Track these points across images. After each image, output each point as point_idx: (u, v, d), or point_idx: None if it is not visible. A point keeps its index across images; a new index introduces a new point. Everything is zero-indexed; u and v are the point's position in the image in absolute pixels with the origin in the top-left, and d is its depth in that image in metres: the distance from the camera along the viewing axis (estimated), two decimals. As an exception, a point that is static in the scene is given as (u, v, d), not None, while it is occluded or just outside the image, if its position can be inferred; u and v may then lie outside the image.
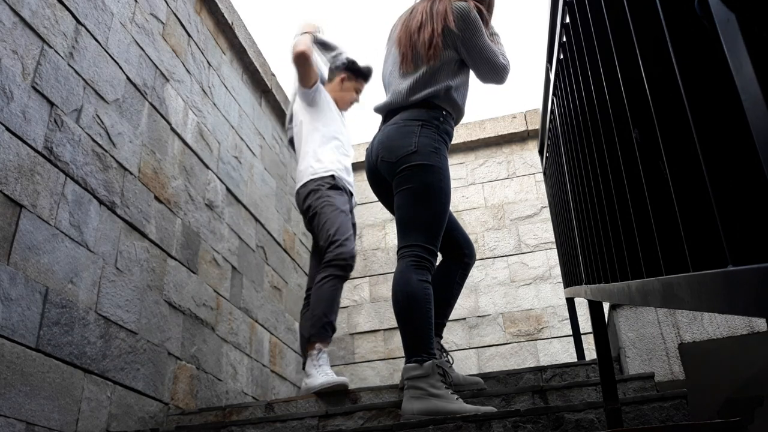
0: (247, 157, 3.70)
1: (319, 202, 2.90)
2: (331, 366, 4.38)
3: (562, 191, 1.89)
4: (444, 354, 2.23)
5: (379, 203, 4.85)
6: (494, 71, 2.16)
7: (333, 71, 3.27)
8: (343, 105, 3.25)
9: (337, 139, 3.07)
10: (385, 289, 4.55)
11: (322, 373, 2.52)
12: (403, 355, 4.18)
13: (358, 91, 3.30)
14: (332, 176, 2.97)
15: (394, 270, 4.59)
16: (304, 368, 2.61)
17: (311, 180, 2.95)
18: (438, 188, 2.01)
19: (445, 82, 2.10)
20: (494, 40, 2.32)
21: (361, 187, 4.95)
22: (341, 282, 2.75)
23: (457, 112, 2.19)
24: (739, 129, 0.44)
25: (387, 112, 2.18)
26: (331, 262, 2.75)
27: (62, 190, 2.11)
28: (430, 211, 2.01)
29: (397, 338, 4.35)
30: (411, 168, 2.01)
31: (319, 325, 2.64)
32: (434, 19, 2.11)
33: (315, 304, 2.69)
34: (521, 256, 4.40)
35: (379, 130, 2.20)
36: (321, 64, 3.21)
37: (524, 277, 4.32)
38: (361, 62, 3.29)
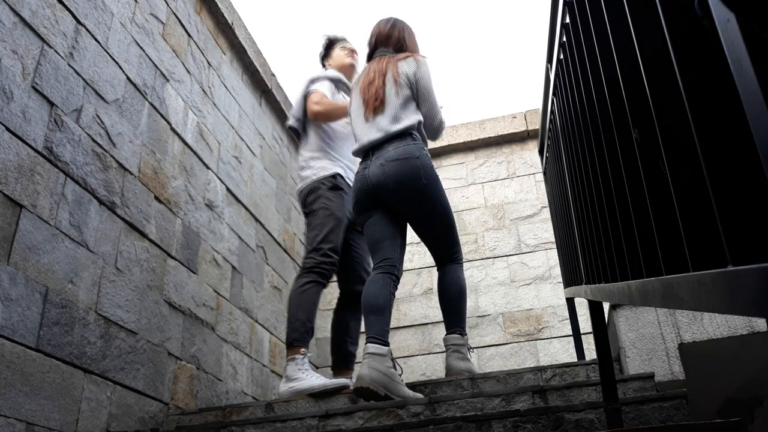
0: (247, 157, 3.70)
1: (316, 203, 2.89)
2: (331, 366, 4.39)
3: (562, 191, 1.89)
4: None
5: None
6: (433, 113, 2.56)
7: (323, 58, 3.33)
8: (348, 74, 3.24)
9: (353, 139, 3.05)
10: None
11: (312, 376, 2.55)
12: (402, 355, 4.24)
13: (351, 52, 3.31)
14: (334, 175, 2.94)
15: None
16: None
17: (312, 180, 2.95)
18: (448, 208, 2.53)
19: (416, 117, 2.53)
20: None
21: (361, 187, 4.95)
22: (322, 288, 2.81)
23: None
24: (739, 129, 0.45)
25: (370, 148, 2.53)
26: (313, 269, 2.77)
27: (62, 190, 2.11)
28: (451, 219, 2.55)
29: (396, 338, 4.35)
30: (427, 198, 2.45)
31: (303, 329, 2.71)
32: (377, 76, 2.58)
33: (297, 309, 2.71)
34: (521, 256, 4.40)
35: (366, 164, 2.52)
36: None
37: (524, 277, 4.33)
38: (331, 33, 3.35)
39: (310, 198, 2.92)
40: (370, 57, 2.75)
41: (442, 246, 2.55)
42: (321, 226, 2.82)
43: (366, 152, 2.52)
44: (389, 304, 2.42)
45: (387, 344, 2.34)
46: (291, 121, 3.11)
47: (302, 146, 3.08)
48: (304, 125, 3.08)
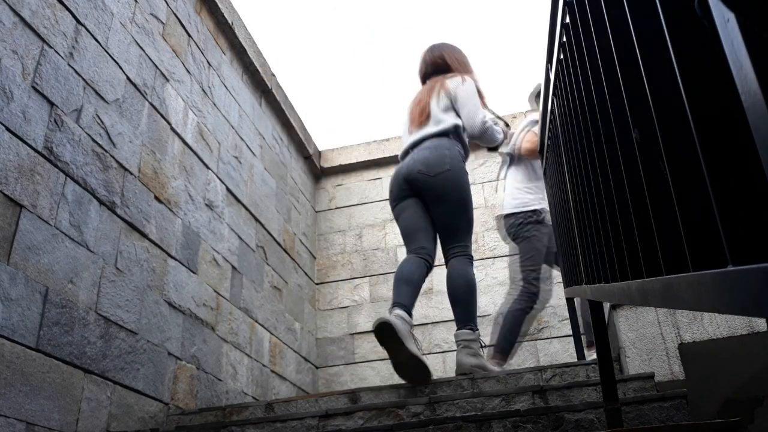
0: (247, 157, 3.70)
1: (528, 232, 3.19)
2: (331, 366, 4.39)
3: (562, 191, 1.89)
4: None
5: (380, 204, 4.84)
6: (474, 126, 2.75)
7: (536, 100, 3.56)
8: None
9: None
10: (386, 289, 4.55)
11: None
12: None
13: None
14: (540, 210, 3.22)
15: (394, 270, 4.59)
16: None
17: (523, 211, 3.22)
18: (470, 200, 2.65)
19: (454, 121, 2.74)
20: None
21: (360, 186, 4.95)
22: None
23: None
24: (739, 129, 0.45)
25: (411, 146, 2.77)
26: (533, 296, 3.15)
27: (62, 190, 2.11)
28: (468, 211, 2.64)
29: (397, 338, 4.35)
30: (450, 183, 2.58)
31: (508, 345, 3.09)
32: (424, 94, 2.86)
33: (512, 327, 3.08)
34: (521, 256, 4.39)
35: (406, 158, 2.76)
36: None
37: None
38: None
39: (522, 227, 3.19)
40: (423, 82, 3.01)
41: (453, 236, 2.59)
42: (534, 258, 3.12)
43: (406, 152, 2.75)
44: (421, 283, 2.53)
45: (476, 328, 2.55)
46: (508, 149, 3.38)
47: (510, 175, 3.36)
48: (516, 156, 3.38)
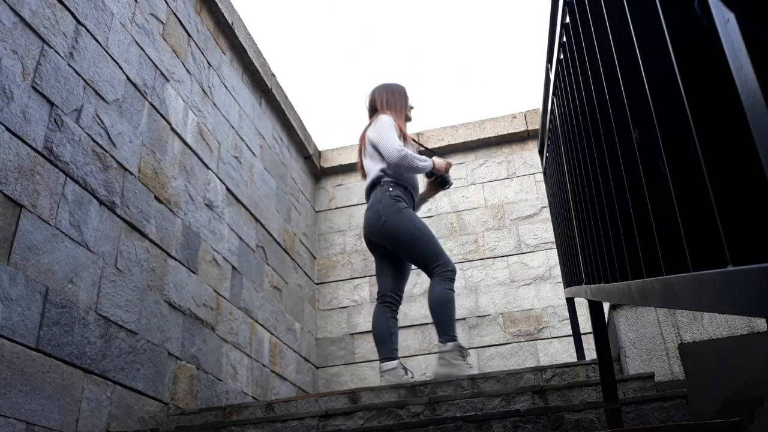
0: (247, 157, 3.70)
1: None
2: (331, 366, 4.39)
3: (562, 191, 1.89)
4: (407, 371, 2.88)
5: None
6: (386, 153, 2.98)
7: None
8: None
9: None
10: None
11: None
12: (402, 355, 4.25)
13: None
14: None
15: (394, 270, 4.60)
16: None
17: None
18: (414, 232, 2.88)
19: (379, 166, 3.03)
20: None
21: (360, 186, 4.95)
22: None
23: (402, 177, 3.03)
24: (739, 129, 0.45)
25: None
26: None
27: (62, 190, 2.11)
28: (420, 240, 2.87)
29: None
30: (390, 232, 2.90)
31: None
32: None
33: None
34: (521, 256, 4.40)
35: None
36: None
37: (524, 277, 4.32)
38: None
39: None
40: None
41: (422, 263, 2.88)
42: None
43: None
44: (390, 329, 2.89)
45: (395, 358, 2.84)
46: None
47: None
48: None
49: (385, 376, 2.77)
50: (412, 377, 2.81)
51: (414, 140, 3.28)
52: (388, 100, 3.21)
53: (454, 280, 2.84)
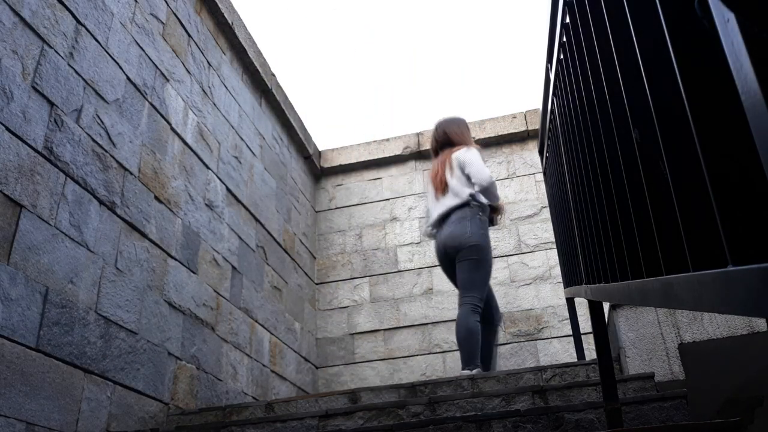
0: (247, 157, 3.70)
1: None
2: (331, 366, 4.39)
3: (562, 191, 1.89)
4: None
5: (380, 204, 4.85)
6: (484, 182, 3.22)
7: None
8: None
9: None
10: (385, 289, 4.55)
11: None
12: (402, 355, 4.24)
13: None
14: None
15: (394, 270, 4.60)
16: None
17: None
18: (486, 260, 3.12)
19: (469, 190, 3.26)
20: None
21: (360, 186, 4.95)
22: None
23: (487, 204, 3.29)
24: (739, 129, 0.45)
25: (441, 218, 3.29)
26: None
27: (62, 190, 2.11)
28: (481, 274, 3.09)
29: (396, 338, 4.35)
30: (469, 248, 3.10)
31: None
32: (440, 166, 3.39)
33: None
34: (521, 256, 4.40)
35: (440, 230, 3.30)
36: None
37: (524, 277, 4.32)
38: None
39: None
40: (436, 154, 3.50)
41: (466, 288, 3.07)
42: None
43: (438, 222, 3.29)
44: (477, 333, 3.02)
45: (477, 366, 2.92)
46: None
47: None
48: None
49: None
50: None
51: None
52: (465, 135, 3.50)
53: (479, 314, 3.04)
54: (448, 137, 3.46)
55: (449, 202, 3.27)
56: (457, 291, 3.25)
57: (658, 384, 2.05)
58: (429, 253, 4.57)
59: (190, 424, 2.41)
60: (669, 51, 0.57)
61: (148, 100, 2.71)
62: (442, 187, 3.32)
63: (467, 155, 3.28)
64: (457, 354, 4.17)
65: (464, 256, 3.12)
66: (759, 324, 2.07)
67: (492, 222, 3.39)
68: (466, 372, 2.86)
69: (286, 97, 4.37)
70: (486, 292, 3.14)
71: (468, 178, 3.25)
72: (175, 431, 2.18)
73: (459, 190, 3.25)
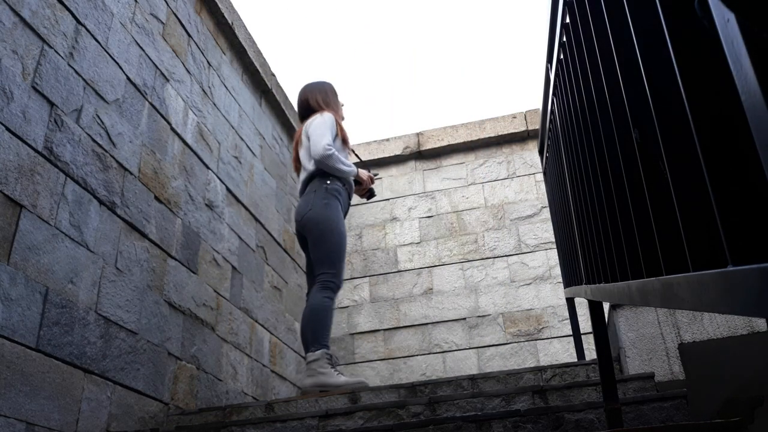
0: (247, 157, 3.70)
1: None
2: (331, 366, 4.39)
3: (562, 191, 1.89)
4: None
5: (380, 204, 4.85)
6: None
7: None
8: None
9: None
10: (385, 289, 4.55)
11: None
12: (402, 355, 4.23)
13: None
14: None
15: (394, 270, 4.60)
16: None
17: None
18: (329, 230, 2.87)
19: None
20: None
21: (361, 187, 4.96)
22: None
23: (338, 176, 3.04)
24: (739, 129, 0.45)
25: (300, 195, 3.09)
26: None
27: (62, 190, 2.11)
28: (326, 246, 2.87)
29: (396, 338, 4.35)
30: (311, 221, 2.90)
31: None
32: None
33: None
34: (521, 256, 4.40)
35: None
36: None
37: (524, 277, 4.33)
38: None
39: None
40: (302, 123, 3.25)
41: (316, 265, 2.86)
42: None
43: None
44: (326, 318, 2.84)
45: (321, 347, 2.75)
46: None
47: None
48: None
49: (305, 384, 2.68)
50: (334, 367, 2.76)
51: (352, 149, 3.37)
52: (324, 100, 3.21)
53: (336, 293, 2.82)
54: (308, 104, 3.20)
55: (301, 176, 3.05)
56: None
57: (658, 384, 2.05)
58: (429, 253, 4.57)
59: (190, 424, 2.41)
60: (669, 51, 0.57)
61: (148, 100, 2.71)
62: (296, 164, 3.13)
63: (313, 123, 3.00)
64: (458, 354, 4.17)
65: (308, 233, 2.90)
66: (759, 324, 2.07)
67: (371, 195, 3.21)
68: (309, 355, 2.66)
69: (286, 97, 4.37)
70: (343, 267, 2.90)
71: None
72: (175, 431, 2.18)
73: (306, 163, 3.01)
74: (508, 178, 4.68)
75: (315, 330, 2.69)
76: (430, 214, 4.69)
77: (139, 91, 2.66)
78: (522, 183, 4.63)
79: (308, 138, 2.99)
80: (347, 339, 4.45)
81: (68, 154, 2.16)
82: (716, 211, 0.51)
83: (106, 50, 2.46)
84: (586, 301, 2.31)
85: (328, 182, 2.94)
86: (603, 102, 0.93)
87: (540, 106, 2.25)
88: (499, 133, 4.75)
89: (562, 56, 1.37)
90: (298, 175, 3.11)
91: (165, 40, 2.93)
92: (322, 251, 2.84)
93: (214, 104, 3.35)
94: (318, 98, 3.20)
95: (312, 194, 2.92)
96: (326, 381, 2.60)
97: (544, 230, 4.43)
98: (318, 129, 2.95)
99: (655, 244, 0.73)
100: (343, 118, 3.29)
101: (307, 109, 3.19)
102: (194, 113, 3.11)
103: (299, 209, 2.96)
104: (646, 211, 0.76)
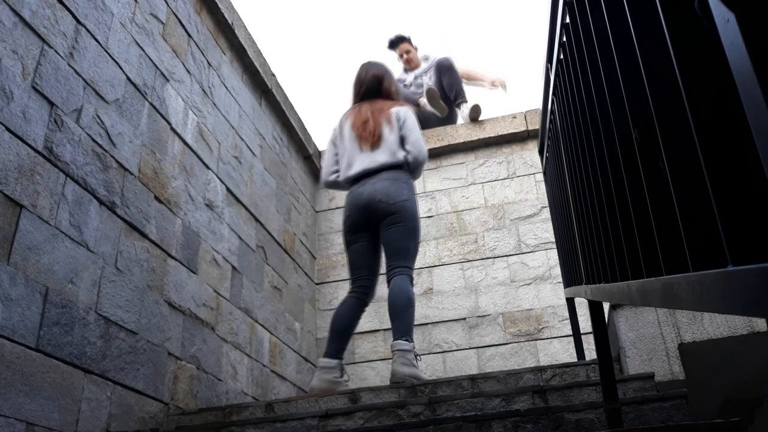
0: (247, 157, 3.70)
1: None
2: (331, 366, 4.38)
3: (562, 191, 1.89)
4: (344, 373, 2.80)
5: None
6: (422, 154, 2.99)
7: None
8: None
9: None
10: (385, 289, 4.54)
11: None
12: (403, 355, 4.24)
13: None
14: None
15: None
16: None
17: None
18: (419, 228, 2.90)
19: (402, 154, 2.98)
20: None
21: (361, 187, 4.96)
22: None
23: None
24: (739, 129, 0.45)
25: (367, 174, 2.96)
26: None
27: (62, 190, 2.11)
28: (415, 241, 2.89)
29: (397, 338, 4.35)
30: (406, 212, 2.84)
31: None
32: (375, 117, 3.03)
33: None
34: (521, 256, 4.40)
35: (362, 184, 2.95)
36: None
37: (524, 277, 4.32)
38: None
39: None
40: (360, 98, 3.15)
41: (400, 257, 2.83)
42: None
43: (361, 178, 2.95)
44: (353, 326, 2.85)
45: (339, 359, 2.77)
46: None
47: None
48: None
49: (315, 382, 2.71)
50: (347, 380, 2.78)
51: None
52: (398, 91, 3.17)
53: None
54: (380, 87, 3.11)
55: (382, 158, 2.93)
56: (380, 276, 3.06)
57: (658, 384, 2.05)
58: (429, 253, 4.57)
59: (190, 424, 2.41)
60: (669, 51, 0.57)
61: (148, 100, 2.71)
62: (373, 140, 2.96)
63: (411, 118, 3.00)
64: (458, 354, 4.17)
65: (398, 220, 2.83)
66: (759, 324, 2.07)
67: None
68: (403, 344, 2.64)
69: (286, 97, 4.37)
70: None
71: (401, 140, 2.97)
72: (175, 431, 2.18)
73: (396, 150, 2.94)
74: (508, 178, 4.68)
75: (410, 321, 2.70)
76: (430, 214, 4.69)
77: (139, 91, 2.66)
78: (522, 183, 4.63)
79: (401, 127, 2.97)
80: (347, 339, 4.45)
81: (68, 154, 2.16)
82: (716, 211, 0.51)
83: (106, 50, 2.46)
84: (586, 301, 2.31)
85: (411, 179, 2.97)
86: (603, 102, 0.93)
87: (540, 106, 2.25)
88: (499, 133, 4.75)
89: (562, 56, 1.37)
90: (366, 146, 2.98)
91: (165, 40, 2.93)
92: (411, 244, 2.85)
93: (214, 104, 3.35)
94: (397, 87, 3.17)
95: (402, 183, 2.89)
96: (419, 375, 2.59)
97: (544, 230, 4.43)
98: (418, 130, 3.00)
99: (655, 244, 0.73)
100: None
101: (379, 90, 3.11)
102: (194, 113, 3.11)
103: (389, 191, 2.86)
104: (646, 211, 0.76)
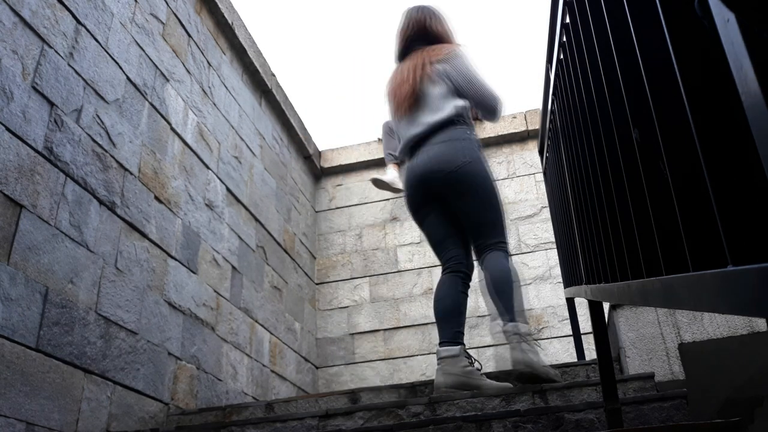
0: (247, 157, 3.70)
1: None
2: (331, 366, 4.39)
3: (562, 191, 1.89)
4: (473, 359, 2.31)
5: (380, 204, 4.84)
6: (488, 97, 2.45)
7: None
8: None
9: None
10: (385, 289, 4.54)
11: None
12: (402, 355, 4.22)
13: None
14: None
15: (394, 270, 4.59)
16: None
17: None
18: (495, 190, 2.39)
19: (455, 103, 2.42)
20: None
21: (360, 186, 4.95)
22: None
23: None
24: (739, 129, 0.45)
25: (417, 141, 2.45)
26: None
27: (62, 190, 2.11)
28: (497, 209, 2.39)
29: (396, 338, 4.34)
30: (472, 176, 2.33)
31: None
32: (411, 75, 2.48)
33: None
34: (521, 256, 4.40)
35: (416, 156, 2.45)
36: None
37: (524, 277, 4.32)
38: None
39: None
40: (403, 54, 2.60)
41: (485, 232, 2.34)
42: None
43: (412, 147, 2.46)
44: (460, 307, 2.34)
45: (460, 344, 2.25)
46: None
47: None
48: None
49: (441, 366, 2.20)
50: (480, 368, 2.25)
51: None
52: (448, 31, 2.58)
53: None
54: (426, 31, 2.53)
55: (428, 118, 2.40)
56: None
57: (658, 384, 2.05)
58: (429, 253, 4.57)
59: (190, 424, 2.41)
60: (669, 51, 0.57)
61: (148, 100, 2.71)
62: (411, 102, 2.45)
63: (458, 58, 2.43)
64: (457, 354, 4.17)
65: (465, 190, 2.32)
66: (759, 324, 2.07)
67: None
68: (522, 325, 2.20)
69: (286, 97, 4.37)
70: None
71: (456, 89, 2.41)
72: (175, 431, 2.18)
73: (443, 104, 2.39)
74: (508, 178, 4.68)
75: (520, 299, 2.26)
76: (430, 214, 4.69)
77: (139, 91, 2.66)
78: (522, 183, 4.63)
79: (448, 76, 2.41)
80: (347, 339, 4.45)
81: (68, 154, 2.16)
82: (716, 210, 0.51)
83: (106, 50, 2.46)
84: (586, 301, 2.30)
85: (474, 133, 2.43)
86: (603, 102, 0.93)
87: (540, 106, 2.24)
88: (499, 133, 4.75)
89: (562, 56, 1.37)
90: (404, 112, 2.49)
91: (165, 40, 2.93)
92: (494, 214, 2.34)
93: (214, 104, 3.35)
94: (445, 26, 2.57)
95: (460, 143, 2.34)
96: (549, 370, 2.16)
97: (544, 230, 4.43)
98: (477, 72, 2.43)
99: (655, 244, 0.73)
100: None
101: (426, 34, 2.54)
102: (194, 113, 3.11)
103: (446, 159, 2.33)
104: (646, 211, 0.76)
